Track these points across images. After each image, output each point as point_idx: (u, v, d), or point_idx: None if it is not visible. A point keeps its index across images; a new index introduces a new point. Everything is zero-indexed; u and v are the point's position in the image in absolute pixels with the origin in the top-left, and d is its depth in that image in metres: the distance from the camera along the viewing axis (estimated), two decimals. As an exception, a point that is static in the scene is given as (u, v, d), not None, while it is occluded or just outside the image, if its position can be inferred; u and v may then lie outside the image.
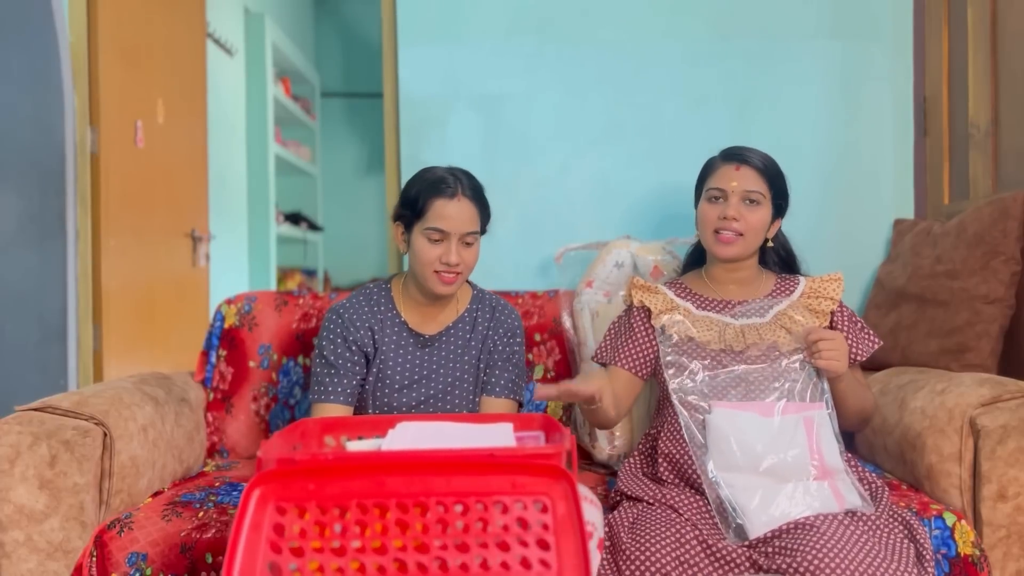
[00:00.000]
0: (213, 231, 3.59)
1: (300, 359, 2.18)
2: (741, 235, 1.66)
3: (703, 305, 1.72)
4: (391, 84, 2.55)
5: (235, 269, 4.24)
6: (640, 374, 1.73)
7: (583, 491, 1.35)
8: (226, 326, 2.20)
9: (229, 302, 2.24)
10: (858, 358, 1.70)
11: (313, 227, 5.56)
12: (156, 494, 1.80)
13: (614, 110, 2.45)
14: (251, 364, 2.18)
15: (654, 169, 2.42)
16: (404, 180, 2.52)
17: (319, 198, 5.87)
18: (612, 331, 1.79)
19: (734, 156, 1.69)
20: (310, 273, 5.59)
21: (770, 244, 1.74)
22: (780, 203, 1.72)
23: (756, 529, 1.43)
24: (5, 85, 2.51)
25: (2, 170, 2.50)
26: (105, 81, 2.66)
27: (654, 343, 1.72)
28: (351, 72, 6.17)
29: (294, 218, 5.25)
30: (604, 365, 1.76)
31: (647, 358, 1.72)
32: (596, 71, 2.45)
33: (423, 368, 1.77)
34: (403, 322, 1.79)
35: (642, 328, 1.73)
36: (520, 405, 1.84)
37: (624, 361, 1.72)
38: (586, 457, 2.10)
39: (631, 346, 1.73)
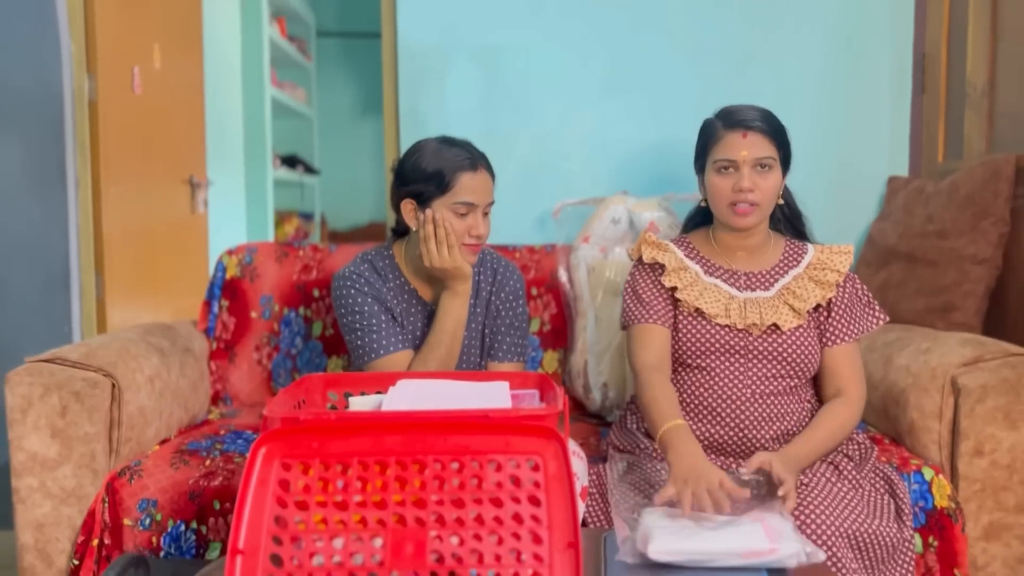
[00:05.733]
0: (211, 177, 3.59)
1: (301, 310, 2.22)
2: (757, 204, 1.59)
3: (711, 271, 1.66)
4: (390, 32, 2.53)
5: (233, 215, 4.25)
6: (668, 324, 1.66)
7: (569, 445, 1.41)
8: (227, 277, 2.24)
9: (230, 253, 2.27)
10: (851, 337, 1.62)
11: (309, 170, 5.54)
12: (163, 442, 1.86)
13: (613, 64, 2.45)
14: (253, 315, 2.22)
15: (651, 124, 2.43)
16: (402, 131, 2.54)
17: (315, 140, 5.83)
18: (630, 289, 1.71)
19: (738, 123, 1.60)
20: (307, 216, 5.59)
21: (780, 202, 1.67)
22: (787, 160, 1.66)
23: (654, 550, 1.21)
24: (2, 34, 2.49)
25: (1, 120, 2.49)
26: (101, 27, 2.63)
27: (670, 300, 1.66)
28: (347, 11, 6.06)
29: (290, 161, 5.23)
30: (630, 325, 1.67)
31: (668, 310, 1.66)
32: (595, 24, 2.44)
33: None
34: (412, 289, 1.80)
35: (660, 284, 1.67)
36: (524, 365, 1.87)
37: (655, 316, 1.64)
38: (579, 408, 2.16)
39: (657, 300, 1.66)
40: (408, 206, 1.73)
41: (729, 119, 1.62)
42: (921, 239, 2.11)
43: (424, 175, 1.70)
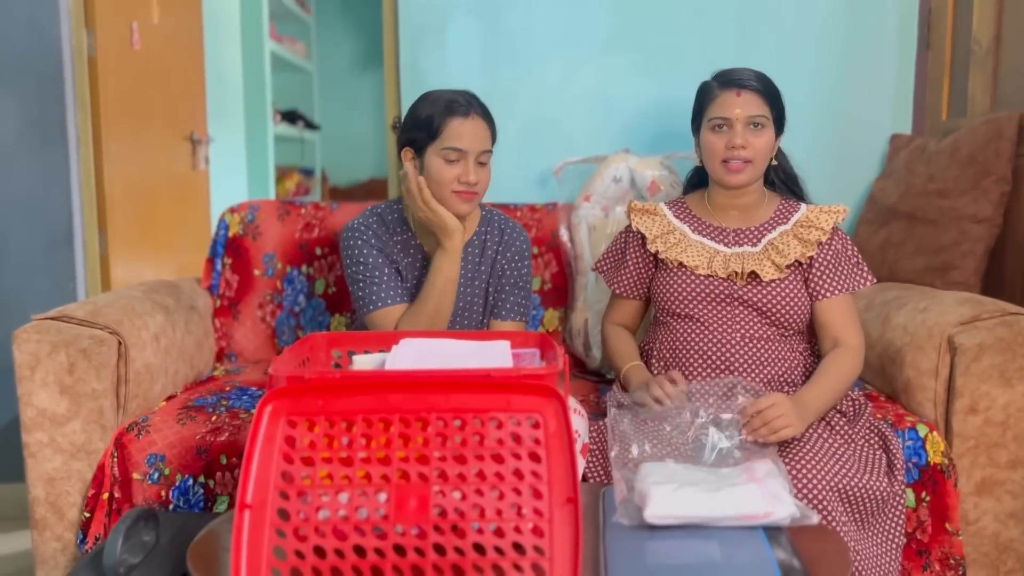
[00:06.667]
0: (211, 133, 3.57)
1: (304, 268, 2.23)
2: (749, 162, 1.64)
3: (699, 230, 1.72)
4: (390, -12, 2.51)
5: (234, 171, 4.24)
6: (639, 297, 1.80)
7: (570, 403, 1.43)
8: (230, 234, 2.25)
9: (232, 211, 2.28)
10: (838, 291, 1.65)
11: (310, 125, 5.50)
12: (170, 398, 1.89)
13: (615, 20, 2.42)
14: (256, 272, 2.23)
15: (654, 82, 2.41)
16: (403, 87, 2.52)
17: (315, 95, 5.78)
18: (614, 249, 1.82)
19: (733, 82, 1.66)
20: (307, 172, 5.57)
21: (774, 163, 1.72)
22: (781, 120, 1.71)
23: (650, 514, 1.22)
24: (-2, -12, 2.47)
25: (0, 76, 2.48)
26: (98, -19, 2.61)
27: (649, 267, 1.76)
28: (347, -39, 5.97)
29: (290, 116, 5.19)
30: (611, 288, 1.81)
31: (643, 282, 1.77)
32: (598, -22, 2.41)
33: None
34: (419, 244, 1.81)
35: (637, 253, 1.77)
36: (527, 324, 1.89)
37: (624, 288, 1.78)
38: (579, 366, 2.19)
39: (628, 271, 1.77)
40: (407, 155, 1.74)
41: (724, 79, 1.68)
42: (922, 198, 2.12)
43: (417, 122, 1.70)
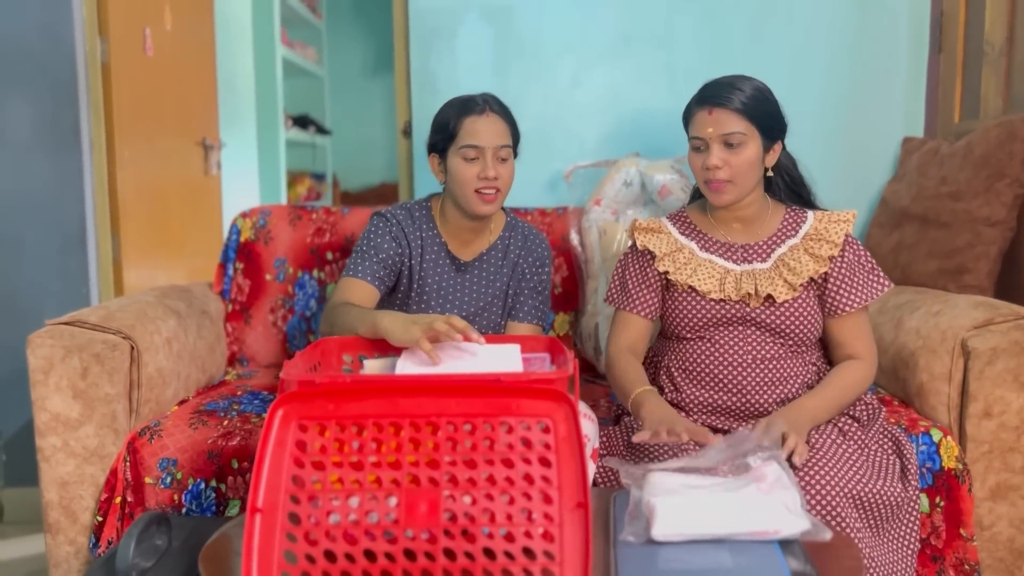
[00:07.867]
0: (223, 138, 3.59)
1: (315, 273, 2.24)
2: (729, 181, 1.57)
3: (707, 246, 1.67)
4: (400, -8, 2.52)
5: (246, 176, 4.26)
6: (651, 317, 1.71)
7: (580, 407, 1.43)
8: (242, 239, 2.26)
9: (244, 215, 2.29)
10: (854, 307, 1.61)
11: (321, 130, 5.52)
12: (182, 402, 1.90)
13: (626, 24, 2.42)
14: (267, 277, 2.24)
15: (664, 85, 2.41)
16: (414, 91, 2.54)
17: (326, 100, 5.80)
18: (619, 273, 1.74)
19: (706, 99, 1.59)
20: (319, 177, 5.59)
21: (770, 174, 1.65)
22: (771, 130, 1.60)
23: (658, 532, 1.19)
24: (13, -4, 2.49)
25: (16, 81, 2.50)
26: (112, -12, 2.63)
27: (658, 286, 1.69)
28: (358, -33, 6.00)
29: (302, 122, 5.21)
30: (614, 309, 1.73)
31: (655, 301, 1.70)
32: (608, -20, 2.41)
33: (457, 290, 1.81)
34: (443, 243, 1.81)
35: (645, 272, 1.70)
36: (543, 330, 1.89)
37: (636, 307, 1.69)
38: (590, 370, 2.18)
39: (641, 291, 1.70)
40: (434, 160, 1.77)
41: (699, 96, 1.62)
42: (934, 201, 2.10)
43: (437, 126, 1.74)
